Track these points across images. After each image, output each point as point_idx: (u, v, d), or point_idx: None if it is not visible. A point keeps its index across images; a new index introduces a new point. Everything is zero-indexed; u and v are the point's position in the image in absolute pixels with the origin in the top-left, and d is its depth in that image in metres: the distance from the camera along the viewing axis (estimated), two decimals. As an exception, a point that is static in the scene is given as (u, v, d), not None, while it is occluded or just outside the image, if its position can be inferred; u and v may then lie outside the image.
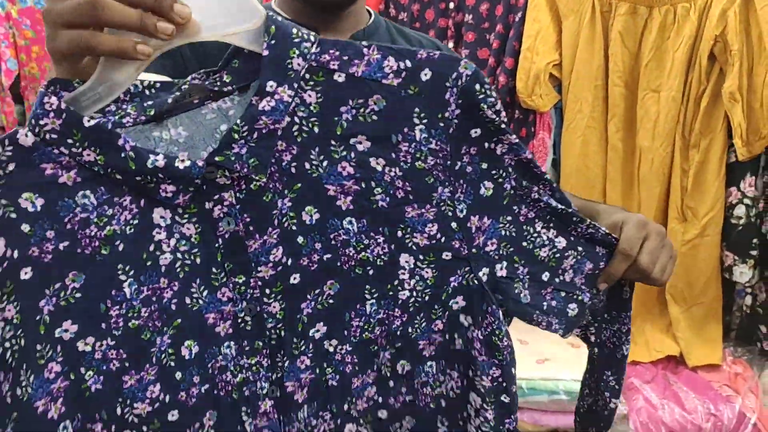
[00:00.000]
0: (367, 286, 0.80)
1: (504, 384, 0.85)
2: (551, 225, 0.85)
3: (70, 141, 0.67)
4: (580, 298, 0.86)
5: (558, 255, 0.85)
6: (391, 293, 0.81)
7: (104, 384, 0.73)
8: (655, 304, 1.89)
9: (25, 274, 0.69)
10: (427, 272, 0.82)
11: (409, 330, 0.83)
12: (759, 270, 1.81)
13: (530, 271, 0.84)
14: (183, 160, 0.68)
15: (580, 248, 0.86)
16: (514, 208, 0.83)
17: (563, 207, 0.84)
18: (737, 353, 1.90)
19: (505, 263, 0.83)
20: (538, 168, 0.83)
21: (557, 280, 0.85)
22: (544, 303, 0.85)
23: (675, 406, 1.66)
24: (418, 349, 0.84)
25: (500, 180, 0.81)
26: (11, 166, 0.67)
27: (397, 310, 0.82)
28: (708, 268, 1.79)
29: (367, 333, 0.82)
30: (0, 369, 0.68)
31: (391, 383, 0.85)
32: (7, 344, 0.68)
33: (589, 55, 1.78)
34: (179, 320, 0.75)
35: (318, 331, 0.80)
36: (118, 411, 0.74)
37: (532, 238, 0.85)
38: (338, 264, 0.79)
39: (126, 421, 0.74)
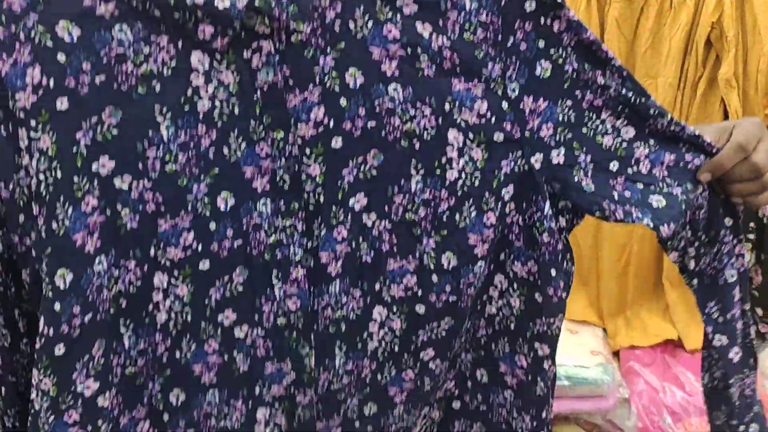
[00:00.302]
0: (413, 161, 0.78)
1: (539, 282, 0.83)
2: (623, 115, 0.82)
3: None
4: (666, 190, 0.83)
5: (626, 144, 0.82)
6: (438, 171, 0.78)
7: (139, 224, 0.72)
8: (652, 290, 1.93)
9: (61, 104, 0.68)
10: (476, 153, 0.79)
11: (457, 218, 0.80)
12: (755, 253, 1.85)
13: (593, 159, 0.82)
14: (223, 1, 0.67)
15: (652, 141, 0.83)
16: (577, 93, 0.81)
17: (638, 98, 0.81)
18: None
19: (562, 149, 0.81)
20: (605, 51, 0.80)
21: (630, 170, 0.82)
22: (615, 192, 0.82)
23: (676, 388, 1.70)
24: (468, 244, 0.81)
25: (559, 61, 0.79)
26: None
27: (444, 191, 0.79)
28: (704, 252, 1.84)
29: (410, 213, 0.79)
30: (37, 200, 0.68)
31: (435, 278, 0.82)
32: (41, 176, 0.68)
33: (585, 43, 1.82)
34: (216, 169, 0.74)
35: (358, 201, 0.78)
36: (152, 252, 0.74)
37: (594, 125, 0.82)
38: (383, 133, 0.77)
39: (158, 263, 0.74)
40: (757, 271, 1.87)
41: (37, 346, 0.71)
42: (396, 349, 0.84)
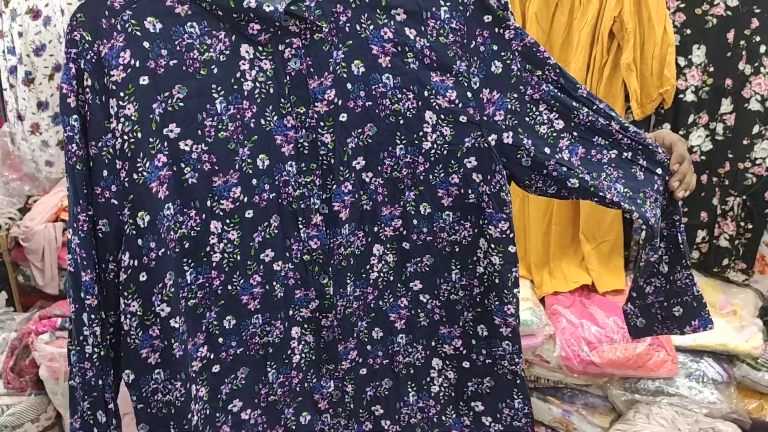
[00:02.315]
0: (398, 133, 0.94)
1: (510, 235, 0.98)
2: (554, 108, 0.98)
3: None
4: (580, 176, 0.98)
5: (555, 134, 0.98)
6: (416, 142, 0.95)
7: (198, 179, 0.88)
8: (570, 244, 2.15)
9: (143, 80, 0.84)
10: (446, 130, 0.95)
11: (430, 177, 0.96)
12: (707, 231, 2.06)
13: (534, 143, 0.97)
14: (268, 5, 0.84)
15: (575, 133, 0.99)
16: (521, 87, 0.97)
17: (563, 94, 0.97)
18: None
19: (511, 133, 0.96)
20: (542, 53, 0.96)
21: (557, 156, 0.97)
22: (545, 170, 0.97)
23: (591, 324, 1.91)
24: (438, 196, 0.97)
25: (508, 61, 0.95)
26: None
27: (420, 157, 0.95)
28: (611, 212, 2.04)
29: (396, 172, 0.96)
30: (120, 158, 0.84)
31: (414, 221, 0.98)
32: (125, 137, 0.84)
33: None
34: (256, 137, 0.90)
35: (358, 163, 0.95)
36: (208, 203, 0.89)
37: (534, 115, 0.98)
38: (377, 111, 0.93)
39: (213, 212, 0.90)
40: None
41: (123, 278, 0.85)
42: (391, 278, 1.01)
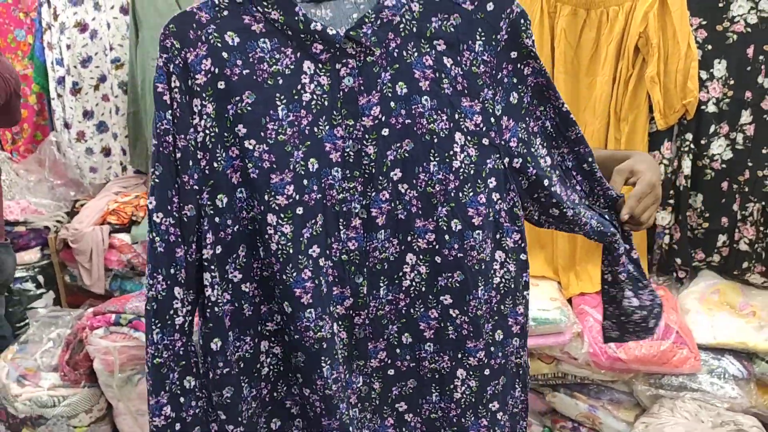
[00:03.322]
0: (432, 150, 1.00)
1: (522, 245, 1.06)
2: (544, 144, 1.07)
3: (265, 3, 0.95)
4: (563, 208, 1.06)
5: (549, 168, 1.06)
6: (447, 160, 1.01)
7: (258, 175, 0.97)
8: (596, 247, 2.20)
9: (221, 84, 0.96)
10: (471, 151, 1.02)
11: (460, 195, 1.01)
12: (674, 215, 2.19)
13: (536, 173, 1.04)
14: (332, 29, 0.95)
15: (557, 171, 1.07)
16: (527, 119, 1.05)
17: (554, 131, 1.06)
18: (659, 281, 2.29)
19: (520, 159, 1.04)
20: (551, 91, 1.04)
21: (552, 189, 1.05)
22: (536, 195, 1.05)
23: None
24: (468, 215, 1.02)
25: (522, 94, 1.04)
26: (225, 13, 0.96)
27: (451, 175, 1.01)
28: (636, 216, 2.18)
29: (429, 187, 1.01)
30: (202, 149, 0.95)
31: (446, 237, 1.02)
32: (207, 131, 0.96)
33: (539, 48, 2.10)
34: (309, 142, 0.99)
35: (396, 174, 1.01)
36: (266, 197, 0.98)
37: (536, 147, 1.06)
38: (414, 129, 1.00)
39: (270, 206, 0.98)
40: (676, 228, 2.22)
41: (209, 254, 0.96)
42: (423, 289, 1.05)
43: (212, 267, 0.98)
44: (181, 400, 1.02)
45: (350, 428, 1.07)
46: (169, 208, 0.96)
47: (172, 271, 0.97)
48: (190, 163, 0.95)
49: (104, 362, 2.18)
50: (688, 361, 1.97)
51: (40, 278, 2.76)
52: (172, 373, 1.01)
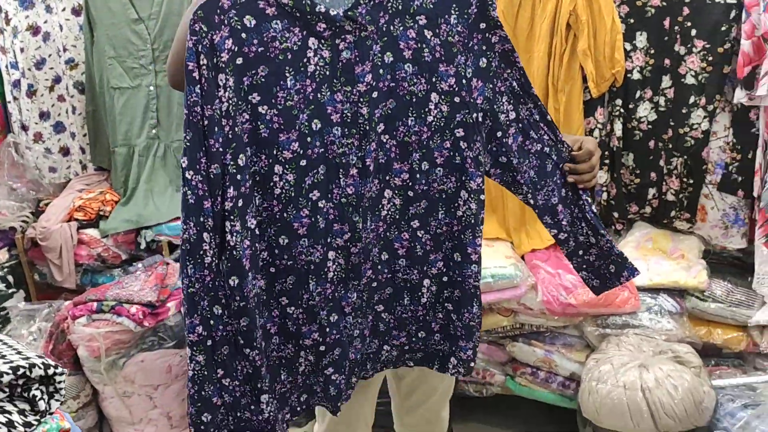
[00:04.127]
0: (411, 108, 1.19)
1: (482, 187, 1.24)
2: (511, 101, 1.24)
3: None
4: (510, 157, 1.25)
5: (508, 122, 1.24)
6: (423, 115, 1.19)
7: (269, 135, 1.13)
8: None
9: (239, 60, 1.10)
10: (444, 107, 1.19)
11: (431, 143, 1.21)
12: (610, 174, 2.37)
13: (492, 125, 1.23)
14: (333, 10, 1.10)
15: (520, 125, 1.25)
16: (494, 80, 1.21)
17: (519, 89, 1.23)
18: None
19: (482, 114, 1.21)
20: (514, 56, 1.21)
21: (503, 140, 1.24)
22: (489, 145, 1.24)
23: (566, 273, 2.20)
24: (433, 157, 1.22)
25: (490, 59, 1.20)
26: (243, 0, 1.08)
27: (425, 127, 1.20)
28: (576, 177, 2.35)
29: (406, 137, 1.20)
30: (225, 117, 1.09)
31: (417, 176, 1.23)
32: (229, 101, 1.09)
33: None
34: (313, 106, 1.14)
35: (380, 127, 1.18)
36: (275, 152, 1.14)
37: (499, 104, 1.23)
38: (397, 90, 1.17)
39: (277, 159, 1.15)
40: (612, 185, 2.39)
41: (229, 205, 1.10)
42: (397, 216, 1.26)
43: (232, 217, 1.11)
44: (211, 323, 1.16)
45: (327, 329, 1.25)
46: (198, 167, 1.09)
47: (201, 219, 1.11)
48: (216, 129, 1.08)
49: (89, 349, 2.24)
50: (629, 302, 2.17)
51: (10, 278, 2.78)
52: (203, 301, 1.14)
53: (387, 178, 1.23)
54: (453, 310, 1.34)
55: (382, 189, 1.23)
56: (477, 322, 1.34)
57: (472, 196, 1.25)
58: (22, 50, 2.84)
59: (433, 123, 1.20)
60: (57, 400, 0.96)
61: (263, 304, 1.23)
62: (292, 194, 1.17)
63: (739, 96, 2.09)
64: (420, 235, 1.28)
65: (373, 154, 1.18)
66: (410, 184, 1.24)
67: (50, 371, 0.96)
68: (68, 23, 2.85)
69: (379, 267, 1.29)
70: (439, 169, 1.23)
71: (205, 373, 1.17)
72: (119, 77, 2.69)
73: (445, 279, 1.32)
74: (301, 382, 1.33)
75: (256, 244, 1.17)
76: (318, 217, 1.19)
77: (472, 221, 1.26)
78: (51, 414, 0.97)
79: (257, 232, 1.17)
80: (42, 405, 0.94)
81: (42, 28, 2.84)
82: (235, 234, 1.12)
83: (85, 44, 2.75)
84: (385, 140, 1.19)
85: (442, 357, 1.40)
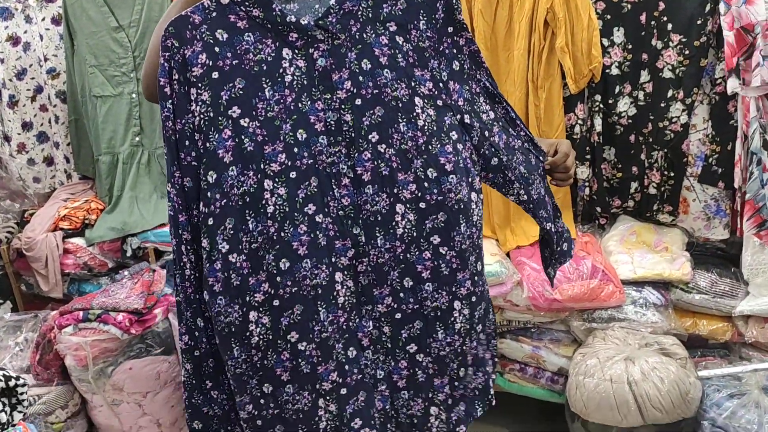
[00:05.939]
0: (399, 113, 1.16)
1: (480, 185, 1.24)
2: (487, 101, 1.25)
3: (247, 3, 1.09)
4: (500, 156, 1.25)
5: (491, 121, 1.25)
6: (413, 120, 1.16)
7: (254, 147, 1.12)
8: None
9: (215, 75, 1.10)
10: (431, 111, 1.18)
11: (430, 147, 1.16)
12: (591, 169, 2.39)
13: (480, 127, 1.22)
14: (304, 20, 1.10)
15: (501, 123, 1.26)
16: (470, 82, 1.22)
17: (491, 88, 1.25)
18: (584, 229, 2.49)
19: (468, 116, 1.21)
20: (481, 58, 1.23)
21: (491, 139, 1.24)
22: (481, 149, 1.24)
23: None
24: (440, 163, 1.17)
25: (462, 62, 1.21)
26: (214, 14, 1.10)
27: (418, 132, 1.16)
28: (558, 174, 2.36)
29: (403, 144, 1.16)
30: (198, 131, 1.08)
31: (426, 185, 1.17)
32: (201, 115, 1.09)
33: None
34: (295, 116, 1.13)
35: (374, 137, 1.16)
36: (261, 165, 1.12)
37: (479, 105, 1.23)
38: (382, 97, 1.16)
39: (266, 173, 1.12)
40: (594, 180, 2.40)
41: (200, 220, 1.10)
42: (414, 234, 1.18)
43: (202, 233, 1.11)
44: (196, 334, 1.16)
45: (346, 366, 1.18)
46: (173, 180, 1.11)
47: (179, 231, 1.12)
48: (187, 143, 1.09)
49: (76, 358, 2.23)
50: (615, 295, 2.18)
51: (-5, 289, 2.78)
52: (187, 312, 1.15)
53: (395, 191, 1.17)
54: (481, 330, 1.30)
55: (392, 204, 1.17)
56: (492, 329, 1.33)
57: (480, 196, 1.24)
58: (2, 61, 2.83)
59: (426, 127, 1.16)
60: (20, 412, 0.96)
61: (270, 345, 1.17)
62: (287, 209, 1.12)
63: (733, 85, 2.08)
64: (443, 252, 1.19)
65: (368, 164, 1.15)
66: (420, 194, 1.17)
67: (11, 383, 0.95)
68: (48, 33, 2.84)
69: (402, 296, 1.20)
70: (452, 177, 1.17)
71: (194, 381, 1.18)
72: (101, 86, 2.69)
73: (474, 299, 1.25)
74: None
75: (230, 272, 1.13)
76: (318, 233, 1.14)
77: (482, 223, 1.25)
78: (14, 426, 0.96)
79: (231, 260, 1.13)
80: (3, 417, 0.94)
81: (22, 39, 2.83)
82: (205, 252, 1.12)
83: (66, 53, 2.75)
84: (382, 150, 1.16)
85: (481, 391, 1.32)
